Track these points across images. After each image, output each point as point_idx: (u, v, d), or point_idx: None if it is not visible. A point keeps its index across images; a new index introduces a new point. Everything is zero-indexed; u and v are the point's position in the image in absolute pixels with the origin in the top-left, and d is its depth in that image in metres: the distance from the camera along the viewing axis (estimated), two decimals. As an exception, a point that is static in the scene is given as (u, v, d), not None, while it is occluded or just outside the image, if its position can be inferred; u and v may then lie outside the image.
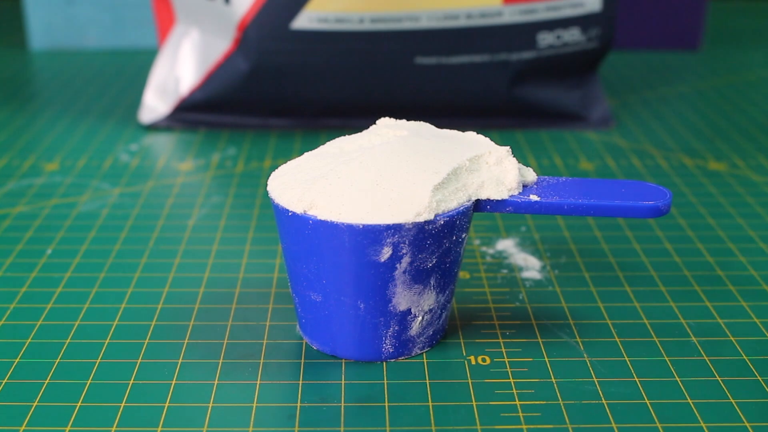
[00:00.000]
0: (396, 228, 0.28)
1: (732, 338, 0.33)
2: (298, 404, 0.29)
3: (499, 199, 0.31)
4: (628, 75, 0.66)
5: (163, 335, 0.33)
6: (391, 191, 0.29)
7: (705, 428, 0.28)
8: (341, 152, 0.32)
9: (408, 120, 0.35)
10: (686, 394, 0.30)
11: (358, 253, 0.29)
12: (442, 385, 0.30)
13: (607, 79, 0.65)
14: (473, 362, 0.31)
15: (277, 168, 0.32)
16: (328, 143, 0.33)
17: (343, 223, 0.28)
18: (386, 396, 0.29)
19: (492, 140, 0.33)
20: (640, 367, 0.31)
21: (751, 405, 0.29)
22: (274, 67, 0.51)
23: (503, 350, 0.32)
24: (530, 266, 0.38)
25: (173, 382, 0.30)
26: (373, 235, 0.28)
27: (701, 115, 0.58)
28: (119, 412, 0.28)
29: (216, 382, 0.30)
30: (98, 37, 0.72)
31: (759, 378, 0.30)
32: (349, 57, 0.51)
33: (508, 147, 0.31)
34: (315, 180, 0.30)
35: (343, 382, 0.30)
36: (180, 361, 0.31)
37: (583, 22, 0.52)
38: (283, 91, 0.52)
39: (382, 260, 0.29)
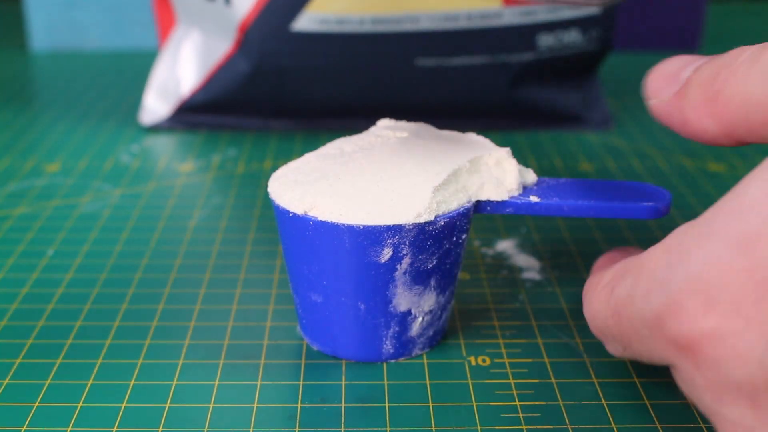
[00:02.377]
0: (396, 229, 0.28)
1: (731, 339, 0.33)
2: (299, 405, 0.29)
3: (499, 200, 0.31)
4: (628, 76, 0.66)
5: (164, 336, 0.33)
6: (391, 192, 0.29)
7: (704, 429, 0.28)
8: (341, 153, 0.32)
9: (408, 121, 0.35)
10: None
11: (358, 254, 0.29)
12: (443, 385, 0.30)
13: (607, 80, 0.65)
14: (473, 363, 0.31)
15: (277, 169, 0.32)
16: (328, 144, 0.33)
17: (343, 224, 0.28)
18: (386, 396, 0.30)
19: (492, 141, 0.33)
20: (639, 368, 0.31)
21: (751, 405, 0.29)
22: (275, 68, 0.51)
23: (503, 351, 0.32)
24: (530, 267, 0.38)
25: (174, 382, 0.30)
26: (374, 236, 0.28)
27: (701, 116, 0.58)
28: (120, 413, 0.29)
29: (217, 382, 0.30)
30: (99, 39, 0.72)
31: (758, 379, 0.30)
32: (349, 58, 0.51)
33: (508, 148, 0.32)
34: (315, 181, 0.30)
35: (343, 382, 0.30)
36: (181, 361, 0.31)
37: (582, 23, 0.52)
38: (284, 92, 0.52)
39: (383, 261, 0.29)
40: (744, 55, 0.24)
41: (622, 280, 0.25)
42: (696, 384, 0.23)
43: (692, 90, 0.26)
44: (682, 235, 0.23)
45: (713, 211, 0.22)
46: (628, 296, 0.24)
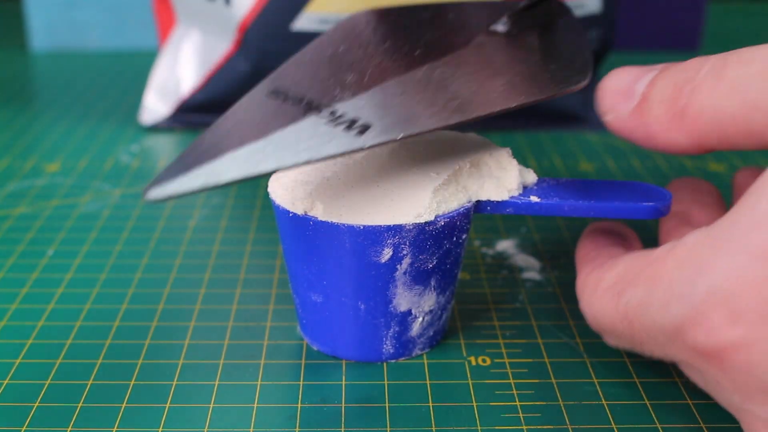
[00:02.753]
0: (396, 229, 0.28)
1: (732, 339, 0.33)
2: (299, 405, 0.29)
3: (500, 200, 0.31)
4: (628, 76, 0.66)
5: (164, 336, 0.33)
6: (391, 192, 0.29)
7: (704, 429, 0.28)
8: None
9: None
10: (686, 394, 0.30)
11: (358, 254, 0.29)
12: (443, 385, 0.30)
13: (607, 80, 0.65)
14: (473, 363, 0.31)
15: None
16: None
17: (343, 224, 0.28)
18: (387, 397, 0.30)
19: (492, 141, 0.33)
20: (639, 368, 0.31)
21: (751, 406, 0.29)
22: (275, 68, 0.51)
23: (503, 351, 0.32)
24: (530, 267, 0.38)
25: (174, 382, 0.30)
26: (374, 236, 0.28)
27: (701, 116, 0.58)
28: (120, 413, 0.29)
29: (217, 382, 0.30)
30: (99, 38, 0.72)
31: (758, 379, 0.30)
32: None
33: (509, 148, 0.32)
34: (315, 181, 0.30)
35: (343, 382, 0.30)
36: (181, 362, 0.31)
37: (583, 23, 0.52)
38: (284, 92, 0.52)
39: (383, 261, 0.29)
40: (705, 68, 0.25)
41: (631, 287, 0.25)
42: (723, 386, 0.23)
43: (655, 105, 0.26)
44: (699, 246, 0.23)
45: (728, 223, 0.23)
46: (641, 305, 0.25)
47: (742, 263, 0.22)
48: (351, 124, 0.26)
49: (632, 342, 0.26)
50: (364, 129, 0.26)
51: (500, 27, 0.32)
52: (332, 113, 0.27)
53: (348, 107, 0.27)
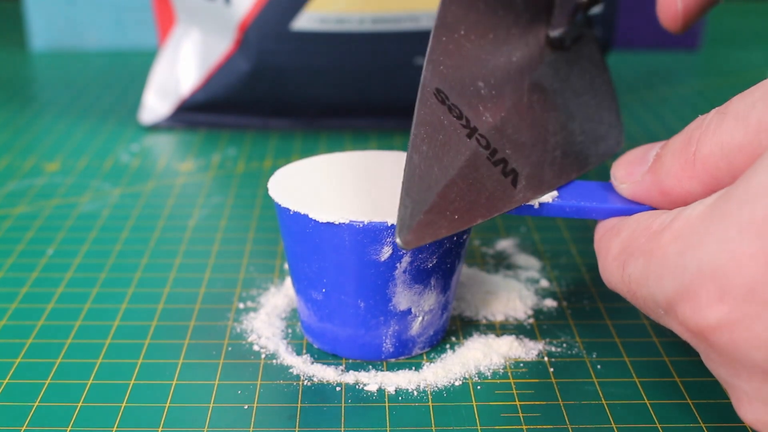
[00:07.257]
0: (396, 228, 0.28)
1: (732, 338, 0.33)
2: (299, 404, 0.29)
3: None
4: (628, 75, 0.66)
5: (164, 336, 0.33)
6: (392, 190, 0.29)
7: (705, 428, 0.28)
8: (344, 157, 0.32)
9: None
10: (686, 394, 0.30)
11: (358, 252, 0.29)
12: (443, 385, 0.30)
13: (607, 79, 0.65)
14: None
15: (278, 168, 0.32)
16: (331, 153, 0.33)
17: (343, 223, 0.28)
18: (386, 397, 0.30)
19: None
20: (639, 367, 0.31)
21: (751, 405, 0.29)
22: (275, 67, 0.51)
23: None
24: (530, 267, 0.38)
25: (174, 382, 0.30)
26: (374, 234, 0.28)
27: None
28: (120, 413, 0.29)
29: (216, 382, 0.30)
30: (99, 38, 0.72)
31: (758, 378, 0.30)
32: (349, 57, 0.51)
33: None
34: (317, 179, 0.30)
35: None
36: (180, 361, 0.31)
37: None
38: (284, 91, 0.52)
39: (383, 259, 0.29)
40: (710, 116, 0.25)
41: (632, 259, 0.25)
42: (712, 359, 0.24)
43: (667, 160, 0.26)
44: (696, 219, 0.23)
45: (723, 198, 0.23)
46: (641, 276, 0.25)
47: (731, 237, 0.22)
48: (504, 167, 0.29)
49: (640, 310, 0.26)
50: (515, 176, 0.29)
51: (556, 33, 0.35)
52: (487, 147, 0.29)
53: (493, 138, 0.29)
